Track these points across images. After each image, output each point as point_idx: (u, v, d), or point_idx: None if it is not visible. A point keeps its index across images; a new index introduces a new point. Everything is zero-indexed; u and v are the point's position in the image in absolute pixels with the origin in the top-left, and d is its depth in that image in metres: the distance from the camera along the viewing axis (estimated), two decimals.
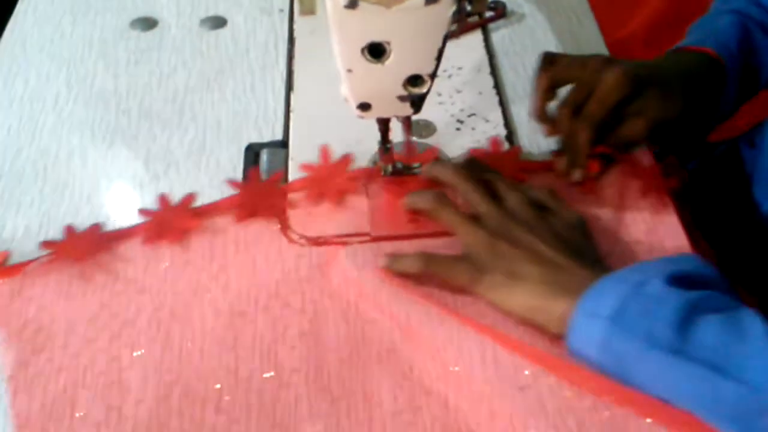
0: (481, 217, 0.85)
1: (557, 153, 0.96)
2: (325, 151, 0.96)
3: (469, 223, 0.84)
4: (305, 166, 0.95)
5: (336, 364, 0.78)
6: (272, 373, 0.78)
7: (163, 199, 0.93)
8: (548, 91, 0.96)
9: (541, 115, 0.96)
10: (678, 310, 0.71)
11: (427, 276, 0.84)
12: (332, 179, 0.94)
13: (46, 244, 0.89)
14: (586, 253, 0.83)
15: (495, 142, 0.99)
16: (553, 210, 0.87)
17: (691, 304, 0.71)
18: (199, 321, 0.82)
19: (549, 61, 0.97)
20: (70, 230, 0.90)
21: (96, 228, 0.91)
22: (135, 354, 0.80)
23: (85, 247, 0.89)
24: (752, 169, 1.08)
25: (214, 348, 0.80)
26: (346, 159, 0.96)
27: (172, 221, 0.91)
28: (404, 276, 0.84)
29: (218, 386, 0.77)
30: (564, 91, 0.95)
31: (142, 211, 0.92)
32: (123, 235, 0.90)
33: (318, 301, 0.84)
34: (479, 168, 0.91)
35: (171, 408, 0.75)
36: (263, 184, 0.95)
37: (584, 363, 0.74)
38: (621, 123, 0.94)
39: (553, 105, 0.95)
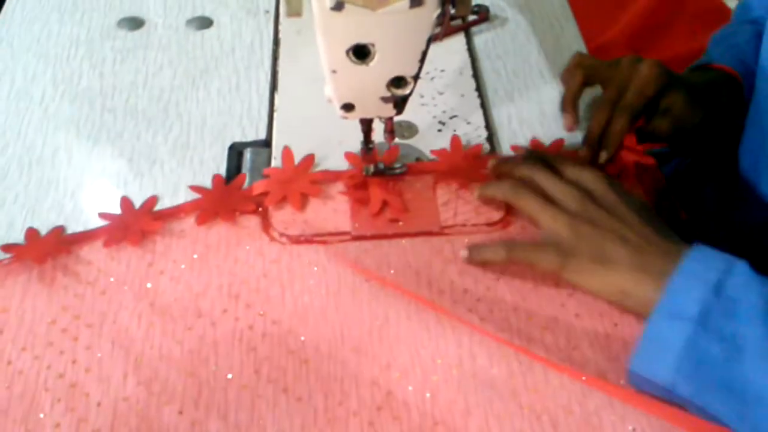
0: (560, 201, 0.85)
1: (584, 143, 0.98)
2: (287, 153, 0.97)
3: (549, 207, 0.85)
4: (268, 171, 0.96)
5: (300, 364, 0.79)
6: (233, 375, 0.78)
7: (125, 201, 0.94)
8: (582, 85, 0.99)
9: (573, 107, 0.99)
10: (762, 308, 0.71)
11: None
12: (295, 182, 0.95)
13: (6, 247, 0.89)
14: (666, 231, 0.83)
15: (454, 139, 1.01)
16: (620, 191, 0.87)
17: None
18: (160, 323, 0.82)
19: (580, 59, 1.01)
20: (31, 233, 0.91)
21: (58, 231, 0.91)
22: (96, 356, 0.80)
23: (46, 249, 0.89)
24: (731, 175, 1.09)
25: (175, 349, 0.80)
26: (309, 161, 0.97)
27: (133, 224, 0.91)
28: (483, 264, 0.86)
29: (180, 388, 0.77)
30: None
31: (103, 215, 0.92)
32: (85, 237, 0.90)
33: (289, 301, 0.84)
34: (541, 158, 0.93)
35: (132, 410, 0.76)
36: (226, 188, 0.95)
37: (653, 363, 0.74)
38: (647, 119, 0.97)
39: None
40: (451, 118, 1.04)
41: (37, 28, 1.21)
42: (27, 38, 1.19)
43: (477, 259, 0.86)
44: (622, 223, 0.82)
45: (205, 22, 1.21)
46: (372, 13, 0.72)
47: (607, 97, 0.97)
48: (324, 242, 0.89)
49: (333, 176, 0.95)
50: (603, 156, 0.95)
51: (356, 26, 0.74)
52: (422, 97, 1.06)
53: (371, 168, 0.95)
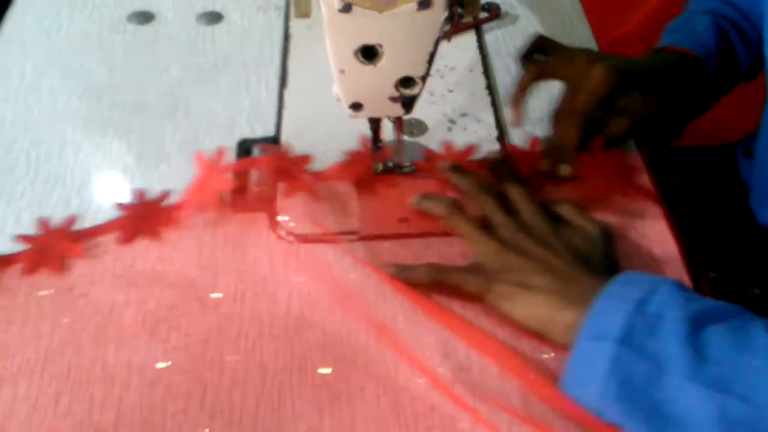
0: (494, 228, 0.86)
1: (545, 154, 0.97)
2: (200, 158, 0.97)
3: (481, 232, 0.85)
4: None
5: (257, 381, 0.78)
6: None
7: (42, 224, 0.91)
8: (531, 83, 0.99)
9: (519, 103, 1.00)
10: (684, 325, 0.69)
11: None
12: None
13: None
14: (599, 265, 0.83)
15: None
16: (570, 223, 0.87)
17: (696, 317, 0.70)
18: (89, 354, 0.80)
19: (539, 46, 1.01)
20: None
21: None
22: (17, 391, 0.77)
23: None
24: (747, 178, 1.08)
25: (98, 382, 0.77)
26: (219, 155, 0.97)
27: (52, 247, 0.88)
28: (410, 284, 0.84)
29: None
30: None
31: (22, 238, 0.89)
32: (2, 262, 0.87)
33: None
34: (508, 170, 0.93)
35: None
36: (148, 204, 0.93)
37: (580, 387, 0.73)
38: (606, 121, 0.96)
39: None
40: (461, 116, 1.03)
41: (47, 23, 1.21)
42: (37, 33, 1.19)
43: (402, 278, 0.84)
44: (551, 254, 0.82)
45: (215, 17, 1.20)
46: (379, 15, 0.72)
47: (563, 107, 0.95)
48: (332, 241, 0.89)
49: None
50: (566, 170, 0.94)
51: (364, 27, 0.74)
52: (432, 94, 1.06)
53: (380, 166, 0.94)
